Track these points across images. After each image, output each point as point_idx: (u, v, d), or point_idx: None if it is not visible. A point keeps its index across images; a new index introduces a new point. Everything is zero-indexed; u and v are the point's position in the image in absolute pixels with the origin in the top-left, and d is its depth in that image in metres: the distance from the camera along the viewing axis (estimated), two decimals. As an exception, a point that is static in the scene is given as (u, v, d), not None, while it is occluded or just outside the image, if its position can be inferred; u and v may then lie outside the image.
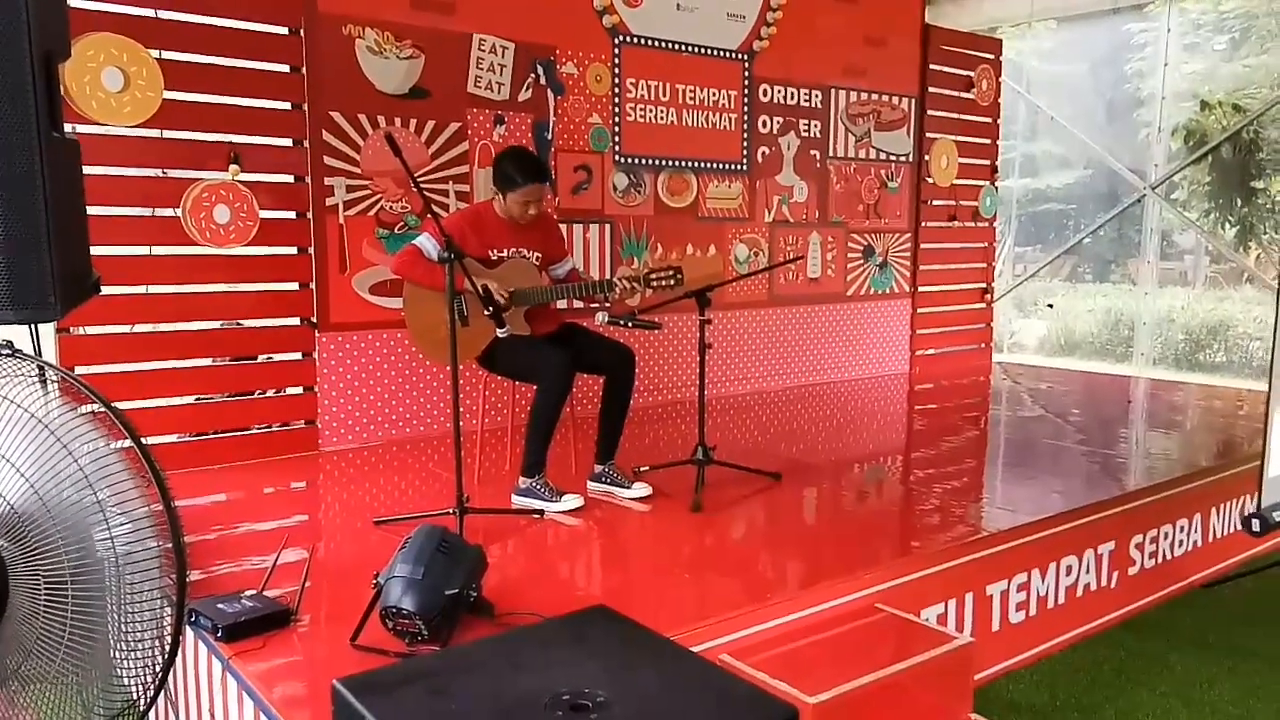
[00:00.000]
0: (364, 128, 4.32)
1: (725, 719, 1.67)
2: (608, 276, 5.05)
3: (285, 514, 3.49)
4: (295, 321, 4.29)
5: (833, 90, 6.17)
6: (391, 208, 4.44)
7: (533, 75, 4.86)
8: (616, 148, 5.22)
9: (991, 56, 7.12)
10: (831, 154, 6.23)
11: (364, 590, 2.31)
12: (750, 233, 5.87)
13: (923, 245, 6.85)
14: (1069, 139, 8.41)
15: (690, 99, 5.50)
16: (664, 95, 5.40)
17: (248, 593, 2.45)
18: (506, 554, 3.02)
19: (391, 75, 4.39)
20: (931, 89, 6.72)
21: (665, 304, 3.68)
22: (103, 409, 1.92)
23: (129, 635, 1.87)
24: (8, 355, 1.97)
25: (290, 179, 4.21)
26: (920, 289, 6.90)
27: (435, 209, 3.40)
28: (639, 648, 1.90)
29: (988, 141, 7.20)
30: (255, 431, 4.23)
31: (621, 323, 3.55)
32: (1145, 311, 7.94)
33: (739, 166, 5.77)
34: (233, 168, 3.98)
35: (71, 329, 3.72)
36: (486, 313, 3.10)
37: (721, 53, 5.60)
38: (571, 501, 3.40)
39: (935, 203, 6.88)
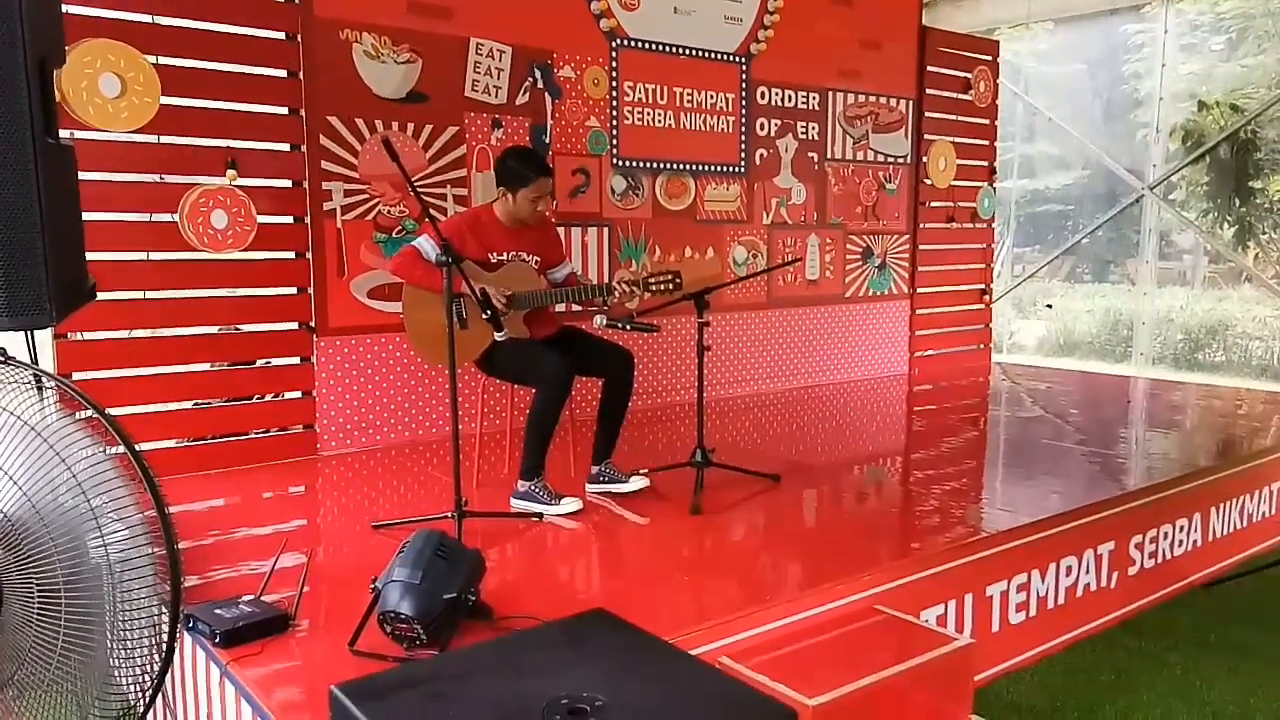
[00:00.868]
0: (361, 132, 4.32)
1: (724, 722, 1.67)
2: (606, 280, 5.05)
3: (283, 519, 3.48)
4: (293, 326, 4.29)
5: (830, 92, 6.17)
6: (389, 212, 4.44)
7: (530, 79, 4.86)
8: (614, 151, 5.22)
9: (989, 58, 7.13)
10: (829, 156, 6.23)
11: (362, 595, 2.31)
12: (748, 235, 5.87)
13: (921, 246, 6.85)
14: (1067, 140, 8.42)
15: (688, 102, 5.51)
16: (661, 98, 5.40)
17: (245, 598, 2.44)
18: (505, 557, 3.01)
19: (389, 79, 4.39)
20: (929, 91, 6.72)
21: (663, 307, 3.68)
22: (97, 415, 1.92)
23: (125, 641, 1.87)
24: (1, 363, 1.97)
25: (288, 184, 4.21)
26: (919, 290, 6.90)
27: (433, 213, 3.40)
28: (638, 651, 1.89)
29: (985, 143, 7.20)
30: (254, 436, 4.22)
31: (620, 325, 3.54)
32: (1144, 311, 7.94)
33: (737, 169, 5.77)
34: (230, 173, 3.98)
35: (69, 334, 3.72)
36: (485, 316, 3.10)
37: (719, 55, 5.61)
38: (570, 504, 3.40)
39: (933, 204, 6.89)
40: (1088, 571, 3.47)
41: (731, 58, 5.66)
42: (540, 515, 3.35)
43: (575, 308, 4.26)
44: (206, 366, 4.11)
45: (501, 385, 3.96)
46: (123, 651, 1.90)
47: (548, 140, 4.94)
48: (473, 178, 4.67)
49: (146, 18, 3.78)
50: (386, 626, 2.21)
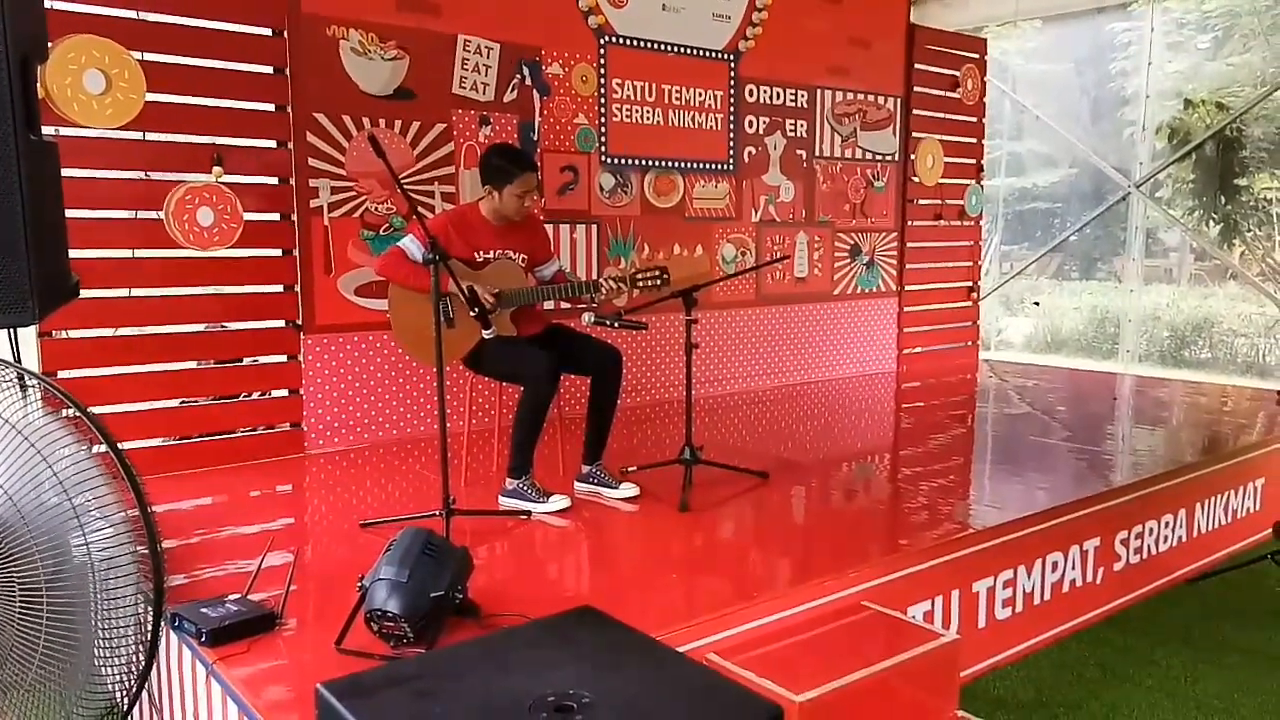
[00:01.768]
0: (348, 129, 4.31)
1: (711, 718, 1.67)
2: (594, 277, 5.05)
3: (270, 517, 3.47)
4: (280, 324, 4.27)
5: (818, 90, 6.18)
6: (377, 209, 4.43)
7: (518, 76, 4.85)
8: (603, 148, 5.22)
9: (976, 56, 7.15)
10: (818, 154, 6.24)
11: (349, 593, 2.30)
12: (737, 232, 5.88)
13: (909, 244, 6.87)
14: (1054, 138, 8.45)
15: (676, 99, 5.51)
16: (650, 96, 5.40)
17: (232, 597, 2.43)
18: (493, 555, 3.01)
19: (376, 76, 4.38)
20: (917, 88, 6.74)
21: (651, 304, 3.68)
22: (80, 414, 1.91)
23: (108, 640, 1.86)
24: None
25: (274, 181, 4.19)
26: (907, 288, 6.92)
27: (420, 210, 3.39)
28: (625, 648, 1.90)
29: (973, 140, 7.23)
30: (240, 434, 4.21)
31: (608, 323, 3.54)
32: (1130, 308, 7.99)
33: (725, 166, 5.77)
34: (216, 170, 3.96)
35: (54, 333, 3.69)
36: (472, 314, 3.09)
37: (707, 53, 5.61)
38: (559, 502, 3.40)
39: (921, 202, 6.91)
40: (1074, 567, 3.48)
41: (720, 55, 5.66)
42: (528, 513, 3.35)
43: (564, 305, 4.26)
44: (193, 365, 4.08)
45: (489, 383, 3.96)
46: (106, 650, 1.89)
47: (536, 138, 4.93)
48: (460, 175, 4.66)
49: (131, 13, 3.76)
50: (373, 625, 2.20)
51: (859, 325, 6.64)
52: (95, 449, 1.98)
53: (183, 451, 4.04)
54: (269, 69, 4.13)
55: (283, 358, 4.28)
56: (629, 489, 3.56)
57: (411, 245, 3.45)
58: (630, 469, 3.67)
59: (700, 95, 5.60)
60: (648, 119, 5.39)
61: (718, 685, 1.78)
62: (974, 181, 7.23)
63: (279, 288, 4.25)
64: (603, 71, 5.18)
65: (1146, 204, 7.81)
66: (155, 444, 3.99)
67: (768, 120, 5.94)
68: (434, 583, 2.21)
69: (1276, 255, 7.48)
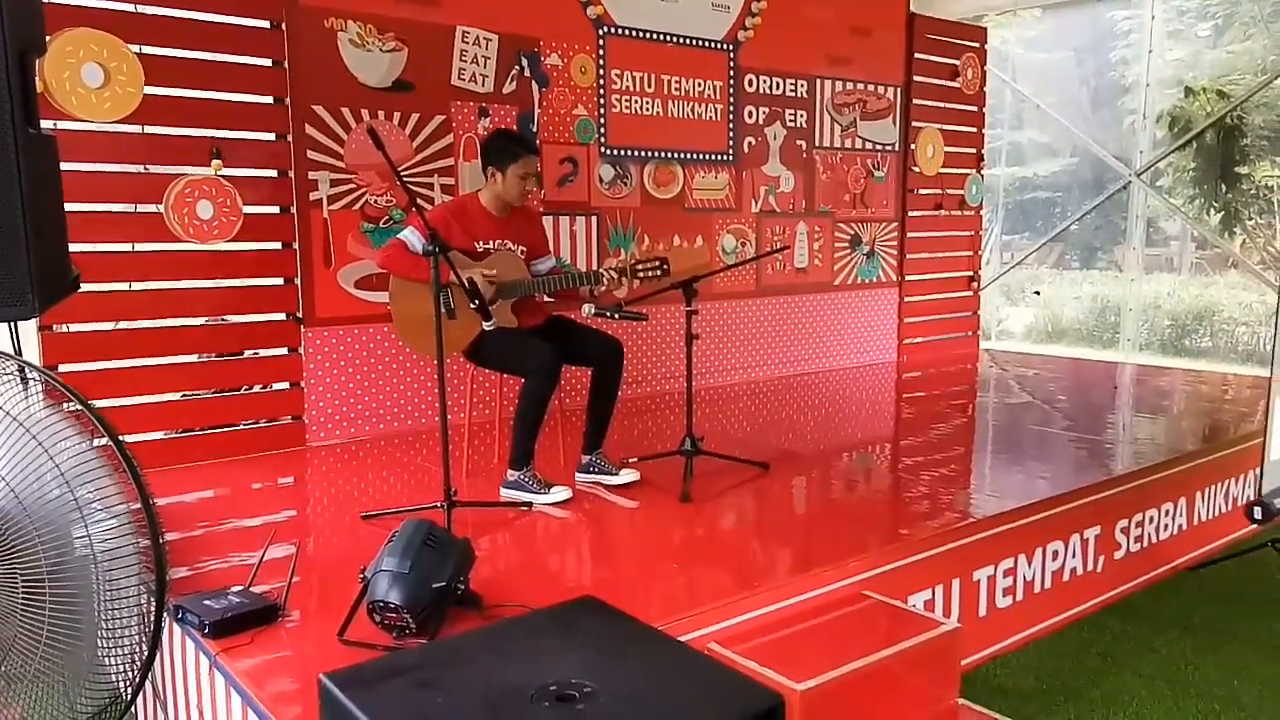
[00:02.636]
0: (347, 121, 4.30)
1: (712, 707, 1.67)
2: (594, 268, 5.05)
3: (272, 509, 3.48)
4: (281, 317, 4.27)
5: (818, 80, 6.16)
6: (376, 201, 4.42)
7: (517, 67, 4.84)
8: (602, 139, 5.21)
9: (977, 45, 7.13)
10: (817, 144, 6.23)
11: (351, 585, 2.31)
12: (737, 223, 5.87)
13: (909, 234, 6.86)
14: (1055, 127, 8.43)
15: (676, 90, 5.50)
16: (649, 86, 5.38)
17: (235, 589, 2.44)
18: (495, 546, 3.02)
19: (375, 68, 4.37)
20: (917, 78, 6.72)
21: (652, 295, 3.68)
22: (81, 408, 1.91)
23: (111, 631, 1.86)
24: (-15, 355, 1.96)
25: (274, 174, 4.19)
26: (907, 278, 6.91)
27: (420, 202, 3.38)
28: (626, 638, 1.90)
29: (974, 130, 7.21)
30: (242, 427, 4.21)
31: (608, 314, 3.54)
32: (1131, 297, 7.98)
33: (725, 157, 5.76)
34: (215, 163, 3.95)
35: (55, 327, 3.70)
36: (473, 305, 3.09)
37: (706, 43, 5.59)
38: (560, 493, 3.40)
39: (922, 191, 6.89)
40: (1074, 556, 3.49)
41: (719, 45, 5.65)
42: (530, 504, 3.35)
43: (564, 298, 4.26)
44: (194, 358, 4.09)
45: (490, 375, 3.96)
46: (109, 642, 1.90)
47: (535, 129, 4.93)
48: (460, 167, 4.66)
49: (129, 6, 3.76)
50: (376, 616, 2.21)
51: (859, 315, 6.64)
52: (97, 442, 1.98)
53: (184, 444, 4.05)
54: (267, 61, 4.13)
55: (283, 350, 4.29)
56: (629, 475, 3.57)
57: (412, 236, 3.45)
58: (631, 460, 3.68)
59: (699, 86, 5.59)
60: (647, 110, 5.38)
61: (719, 674, 1.79)
62: (974, 171, 7.21)
63: (279, 281, 4.25)
64: (601, 62, 5.17)
65: (1147, 193, 7.79)
66: (157, 437, 4.00)
67: (767, 110, 5.92)
68: (436, 574, 2.22)
69: (1277, 243, 7.47)
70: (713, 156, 5.70)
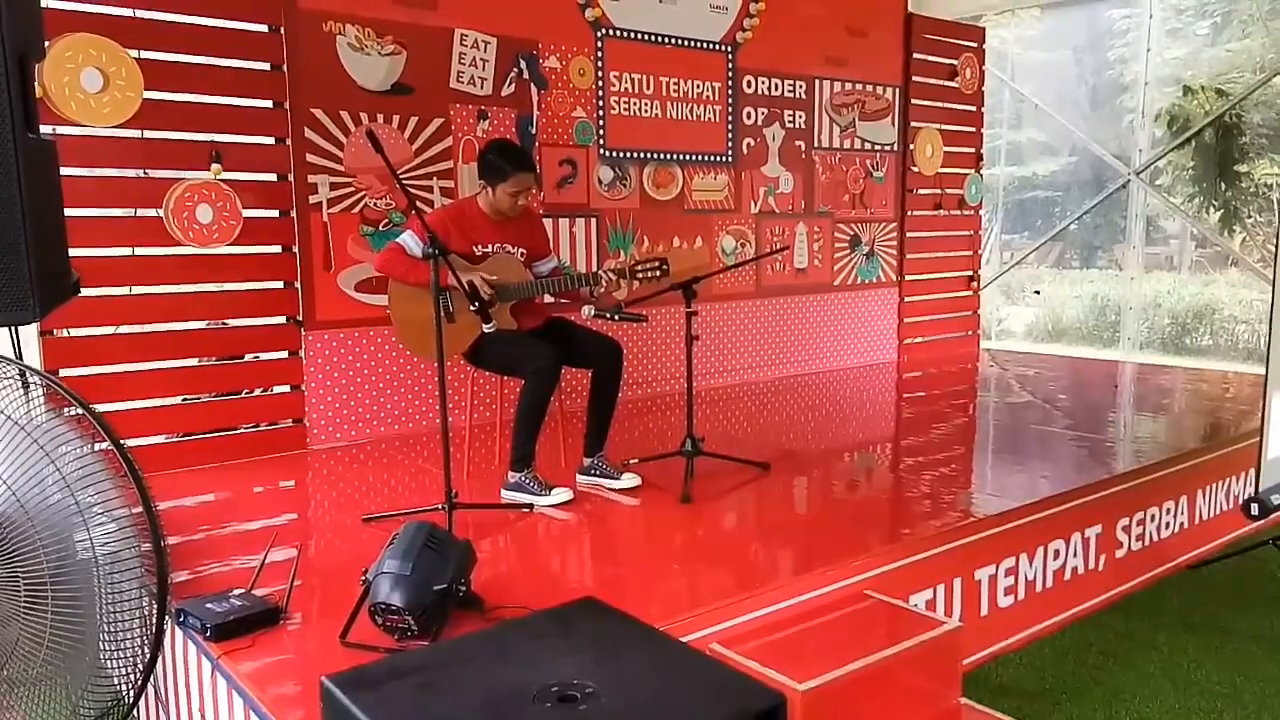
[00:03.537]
0: (346, 125, 4.31)
1: (713, 707, 1.68)
2: (594, 270, 5.05)
3: (274, 513, 3.48)
4: (281, 320, 4.28)
5: (817, 81, 6.17)
6: (376, 205, 4.43)
7: (516, 70, 4.85)
8: (601, 141, 5.21)
9: (975, 44, 7.13)
10: (817, 144, 6.23)
11: (353, 587, 2.31)
12: (736, 224, 5.87)
13: (909, 234, 6.87)
14: (1054, 126, 8.44)
15: (674, 91, 5.50)
16: (648, 88, 5.39)
17: (236, 592, 2.44)
18: (496, 548, 3.02)
19: (373, 72, 4.38)
20: (915, 78, 6.73)
21: (652, 296, 3.68)
22: (83, 412, 1.92)
23: (113, 635, 1.87)
24: (-13, 359, 1.96)
25: (273, 177, 4.19)
26: (907, 278, 6.92)
27: (419, 205, 3.39)
28: (627, 638, 1.90)
29: (972, 129, 7.21)
30: (243, 431, 4.22)
31: (608, 316, 3.54)
32: (1131, 296, 7.98)
33: (724, 158, 5.77)
34: (215, 167, 3.96)
35: (55, 331, 3.70)
36: (473, 308, 3.10)
37: (705, 44, 5.60)
38: (561, 495, 3.40)
39: (921, 191, 6.90)
40: (1075, 554, 3.49)
41: (717, 46, 5.65)
42: (531, 506, 3.36)
43: (564, 300, 4.27)
44: (194, 362, 4.09)
45: (490, 377, 3.96)
46: (111, 645, 1.90)
47: (534, 131, 4.93)
48: (459, 170, 4.66)
49: (128, 11, 3.76)
50: (377, 618, 2.21)
51: (859, 316, 6.64)
52: (98, 446, 1.99)
53: (185, 448, 4.05)
54: (266, 65, 4.13)
55: (284, 354, 4.29)
56: (631, 479, 3.57)
57: (410, 240, 3.45)
58: (632, 461, 3.68)
59: (698, 87, 5.59)
60: (646, 111, 5.39)
61: (721, 674, 1.79)
62: (973, 170, 7.22)
63: (279, 284, 4.26)
64: (600, 64, 5.18)
65: (1147, 191, 7.80)
66: (158, 441, 4.00)
67: (766, 111, 5.93)
68: (437, 576, 2.22)
69: (1277, 241, 7.47)
70: (712, 158, 5.70)
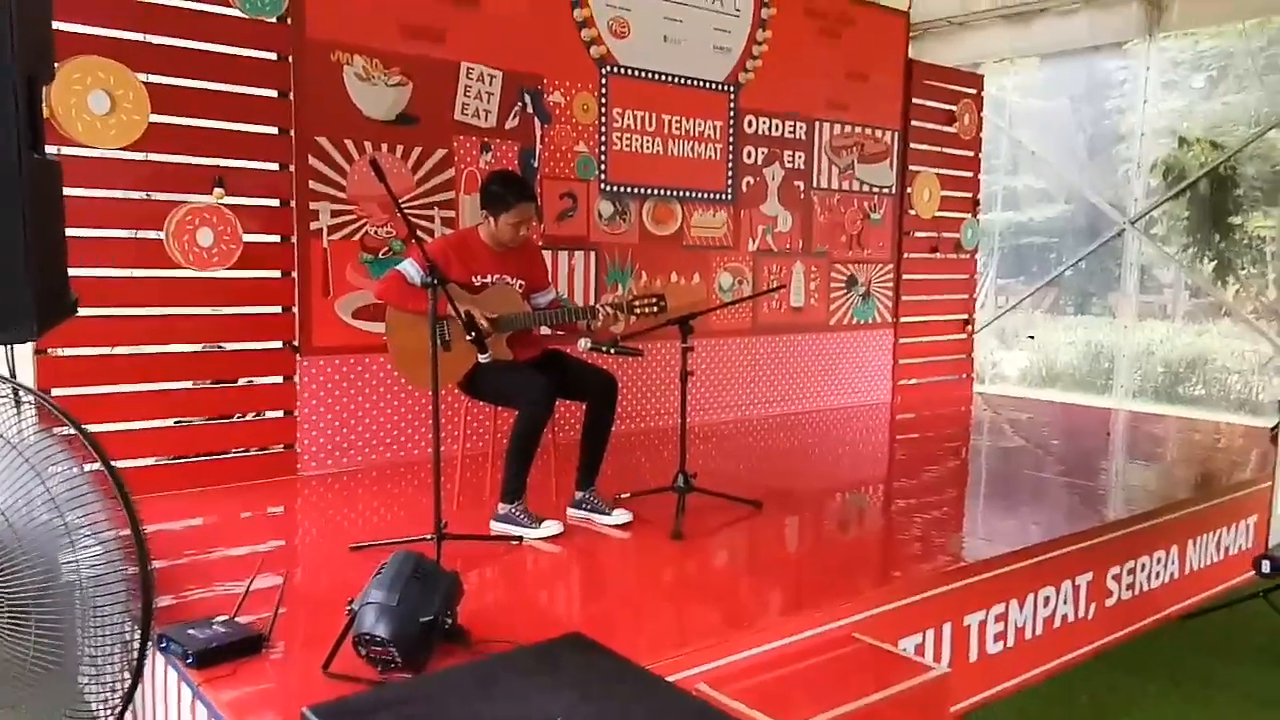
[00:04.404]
0: (350, 153, 4.34)
1: (697, 749, 1.66)
2: (592, 303, 5.07)
3: (261, 539, 3.46)
4: (277, 345, 4.27)
5: (817, 122, 6.24)
6: (376, 233, 4.45)
7: (520, 104, 4.90)
8: (602, 176, 5.26)
9: (973, 91, 7.22)
10: (815, 185, 6.29)
11: (338, 617, 2.29)
12: (734, 261, 5.91)
13: (905, 276, 6.91)
14: (1050, 173, 8.52)
15: (676, 129, 5.56)
16: (650, 125, 5.45)
17: (220, 618, 2.42)
18: (484, 580, 3.00)
19: (379, 102, 4.42)
20: (914, 122, 6.80)
21: (648, 331, 3.70)
22: (74, 432, 1.91)
23: (95, 659, 1.85)
24: (-20, 377, 1.96)
25: (275, 203, 4.22)
26: (902, 319, 6.95)
27: (420, 235, 3.41)
28: (614, 677, 1.89)
29: (969, 174, 7.28)
30: (233, 455, 4.20)
31: (604, 349, 3.55)
32: (1125, 344, 8.02)
33: (724, 196, 5.81)
34: (217, 191, 3.98)
35: (50, 350, 3.70)
36: (469, 338, 3.11)
37: (708, 84, 5.66)
38: (551, 528, 3.39)
39: (918, 234, 6.95)
40: (1066, 602, 3.48)
41: (720, 86, 5.72)
42: (520, 538, 3.34)
43: (560, 332, 4.28)
44: (188, 384, 4.08)
45: (484, 407, 3.96)
46: (92, 669, 1.88)
47: (536, 164, 4.97)
48: (461, 200, 4.69)
49: (138, 36, 3.80)
50: (361, 649, 2.19)
51: (854, 356, 6.66)
52: (89, 467, 1.98)
53: (175, 471, 4.03)
54: (273, 93, 4.17)
55: (278, 379, 4.28)
56: (622, 515, 3.55)
57: (410, 269, 3.47)
58: (624, 495, 3.67)
59: (700, 125, 5.65)
60: (647, 148, 5.44)
61: (707, 715, 1.78)
62: (970, 215, 7.28)
63: (277, 309, 4.26)
64: (604, 100, 5.24)
65: (1141, 240, 7.86)
66: (148, 463, 3.98)
67: (766, 151, 5.99)
68: (423, 607, 2.20)
69: (1270, 293, 7.53)
70: (712, 195, 5.75)
